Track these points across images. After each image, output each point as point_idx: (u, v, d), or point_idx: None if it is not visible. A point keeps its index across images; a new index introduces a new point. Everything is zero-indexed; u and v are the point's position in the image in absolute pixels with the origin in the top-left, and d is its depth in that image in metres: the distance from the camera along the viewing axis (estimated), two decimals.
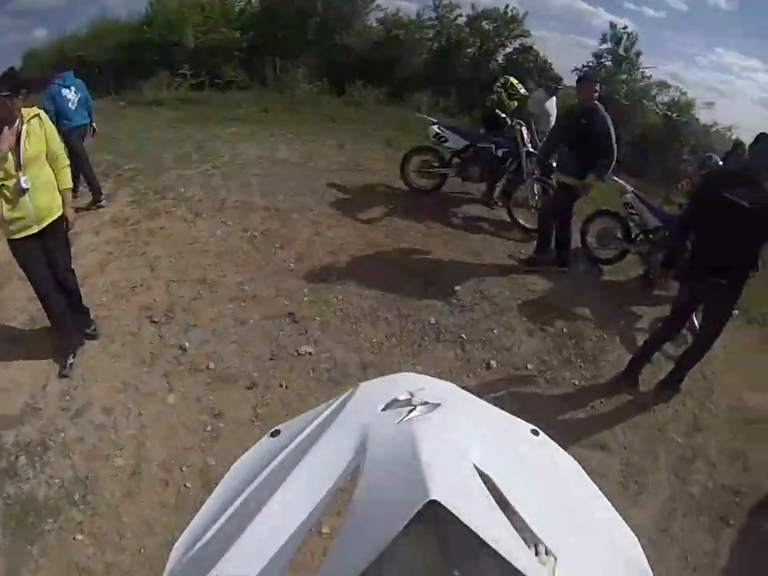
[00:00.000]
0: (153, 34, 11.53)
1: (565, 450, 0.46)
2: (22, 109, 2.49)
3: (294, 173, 4.98)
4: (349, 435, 0.46)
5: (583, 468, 0.46)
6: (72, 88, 4.18)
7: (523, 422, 0.54)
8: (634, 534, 0.44)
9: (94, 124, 4.43)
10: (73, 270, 2.91)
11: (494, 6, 11.91)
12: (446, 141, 4.42)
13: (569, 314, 3.34)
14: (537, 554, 0.33)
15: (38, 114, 2.57)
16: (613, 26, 11.78)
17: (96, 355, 2.92)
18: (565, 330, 3.20)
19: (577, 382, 2.83)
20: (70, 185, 2.77)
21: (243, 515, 0.42)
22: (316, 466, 0.44)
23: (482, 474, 0.39)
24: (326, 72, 10.14)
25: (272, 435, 0.54)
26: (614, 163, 3.31)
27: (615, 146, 3.28)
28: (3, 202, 2.50)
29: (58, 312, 2.84)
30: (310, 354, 2.81)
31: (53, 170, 2.65)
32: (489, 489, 0.37)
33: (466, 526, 0.31)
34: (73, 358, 2.88)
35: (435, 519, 0.32)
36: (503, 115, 4.36)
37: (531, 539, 0.36)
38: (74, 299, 2.96)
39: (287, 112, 7.81)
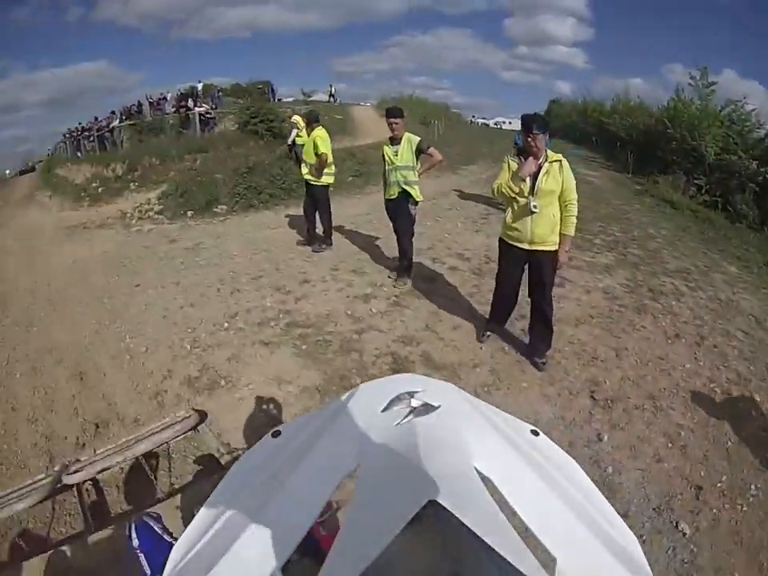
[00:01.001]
0: (674, 130, 11.95)
1: None
2: (549, 152, 2.90)
3: None
4: (349, 436, 0.45)
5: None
6: None
7: (523, 422, 0.52)
8: (633, 534, 0.42)
9: None
10: (551, 301, 3.27)
11: None
12: None
13: None
14: (537, 554, 0.32)
15: (560, 161, 2.91)
16: None
17: (530, 382, 3.33)
18: None
19: None
20: (571, 233, 2.99)
21: (243, 516, 0.42)
22: (315, 468, 0.43)
23: (482, 476, 0.39)
24: None
25: (273, 436, 0.52)
26: None
27: None
28: (510, 211, 3.04)
29: (499, 314, 3.53)
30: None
31: (561, 213, 2.96)
32: (489, 490, 0.37)
33: (466, 526, 0.31)
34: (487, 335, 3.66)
35: (435, 519, 0.32)
36: None
37: (531, 540, 0.35)
38: (538, 320, 3.34)
39: None
